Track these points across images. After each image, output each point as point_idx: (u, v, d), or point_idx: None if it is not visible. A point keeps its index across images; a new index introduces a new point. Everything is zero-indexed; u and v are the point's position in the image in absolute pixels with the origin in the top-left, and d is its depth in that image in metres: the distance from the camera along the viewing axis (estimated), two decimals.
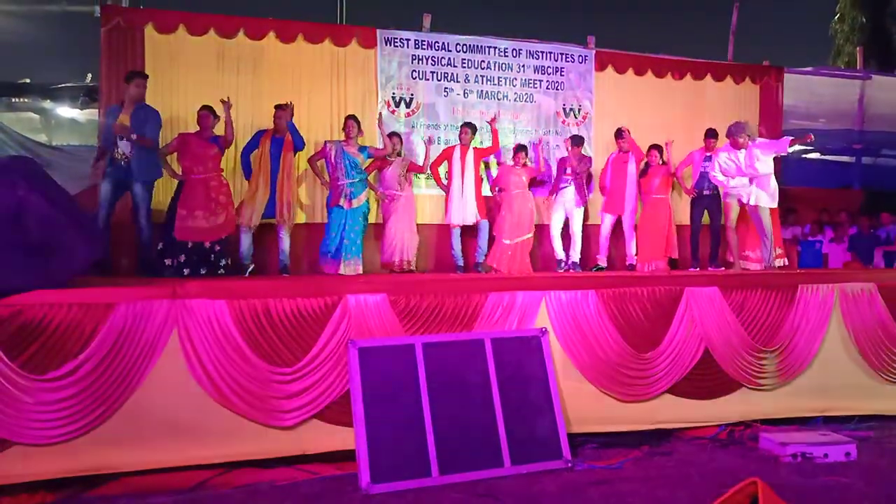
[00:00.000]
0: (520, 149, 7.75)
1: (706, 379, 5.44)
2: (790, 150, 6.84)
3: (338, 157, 6.94)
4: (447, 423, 4.40)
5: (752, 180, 6.87)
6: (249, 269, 6.73)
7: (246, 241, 6.73)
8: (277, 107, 6.85)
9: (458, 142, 7.70)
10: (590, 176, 8.20)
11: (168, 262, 6.30)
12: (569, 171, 7.84)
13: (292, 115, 6.87)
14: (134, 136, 6.14)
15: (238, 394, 4.37)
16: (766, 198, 6.89)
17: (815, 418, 5.65)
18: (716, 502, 2.08)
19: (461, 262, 7.65)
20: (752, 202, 6.90)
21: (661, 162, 7.99)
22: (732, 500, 2.07)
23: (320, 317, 4.62)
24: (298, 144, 6.91)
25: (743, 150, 6.88)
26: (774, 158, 6.98)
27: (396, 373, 4.46)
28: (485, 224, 7.63)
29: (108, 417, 4.14)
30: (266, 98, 7.21)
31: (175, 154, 6.62)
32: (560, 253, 7.91)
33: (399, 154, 7.48)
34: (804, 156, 11.86)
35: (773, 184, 6.94)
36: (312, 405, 4.52)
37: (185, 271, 6.27)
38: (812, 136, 6.92)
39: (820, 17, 20.39)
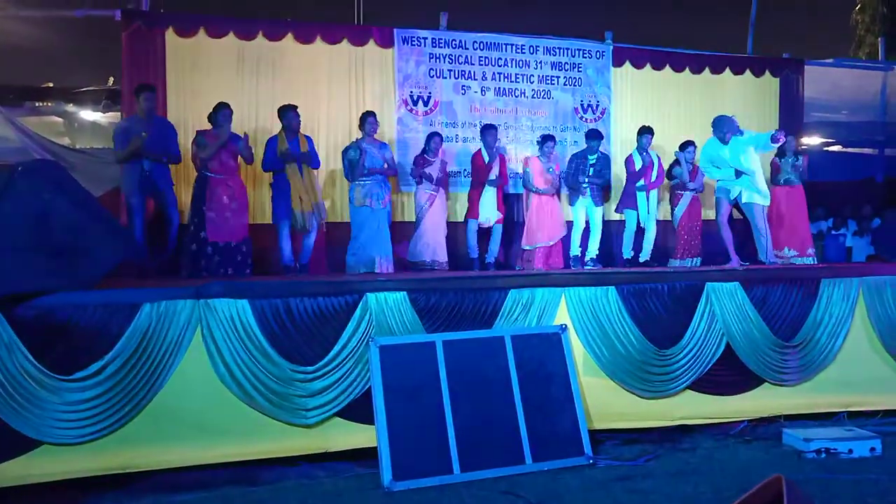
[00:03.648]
0: (548, 139, 7.69)
1: (728, 375, 5.40)
2: (774, 146, 6.77)
3: (363, 157, 6.94)
4: (469, 421, 4.41)
5: (738, 174, 6.82)
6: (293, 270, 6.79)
7: (287, 247, 6.79)
8: (292, 107, 6.78)
9: (483, 144, 7.61)
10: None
11: (204, 262, 6.37)
12: (591, 172, 7.78)
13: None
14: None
15: (261, 392, 4.41)
16: (758, 196, 6.85)
17: (838, 414, 5.59)
18: (740, 499, 2.07)
19: (475, 255, 7.62)
20: (744, 200, 6.88)
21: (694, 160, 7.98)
22: (757, 496, 2.07)
23: (341, 315, 4.65)
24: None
25: (727, 145, 6.79)
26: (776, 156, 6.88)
27: (417, 370, 4.48)
28: (499, 227, 7.63)
29: (134, 417, 4.19)
30: (286, 100, 7.20)
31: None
32: (579, 250, 7.89)
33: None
34: (826, 149, 11.72)
35: (763, 182, 6.88)
36: (334, 403, 4.55)
37: (230, 270, 6.38)
38: (783, 138, 6.83)
39: (841, 8, 20.13)
